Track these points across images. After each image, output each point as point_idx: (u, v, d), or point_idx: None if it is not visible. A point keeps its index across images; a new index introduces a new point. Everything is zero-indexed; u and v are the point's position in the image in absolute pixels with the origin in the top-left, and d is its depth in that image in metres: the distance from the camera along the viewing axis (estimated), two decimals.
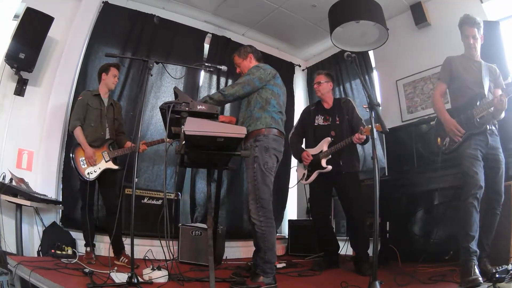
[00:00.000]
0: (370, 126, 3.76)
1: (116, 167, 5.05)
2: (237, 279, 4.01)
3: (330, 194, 5.39)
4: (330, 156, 5.08)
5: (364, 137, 4.67)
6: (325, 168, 5.06)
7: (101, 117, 5.12)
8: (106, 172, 5.00)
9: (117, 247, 4.95)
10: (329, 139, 5.11)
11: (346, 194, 5.05)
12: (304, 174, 5.36)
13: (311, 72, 8.91)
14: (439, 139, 4.20)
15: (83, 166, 4.89)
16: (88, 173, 4.86)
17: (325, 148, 5.11)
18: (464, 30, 4.12)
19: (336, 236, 5.55)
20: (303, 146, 5.54)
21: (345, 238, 5.86)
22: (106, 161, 5.00)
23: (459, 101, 4.11)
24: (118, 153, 5.08)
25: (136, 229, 3.65)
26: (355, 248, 5.15)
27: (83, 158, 4.90)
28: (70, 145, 5.43)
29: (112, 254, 4.81)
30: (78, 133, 4.92)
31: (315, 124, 5.34)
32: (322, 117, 5.31)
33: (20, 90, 5.42)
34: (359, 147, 5.38)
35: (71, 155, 4.95)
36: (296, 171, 5.67)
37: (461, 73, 4.12)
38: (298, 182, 5.68)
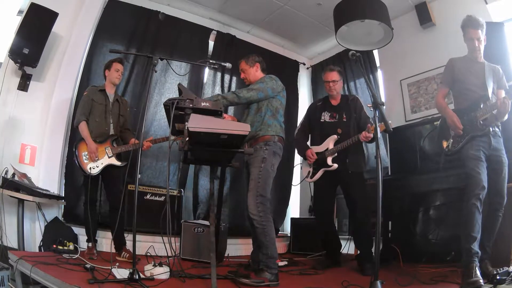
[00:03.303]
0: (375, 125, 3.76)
1: (119, 163, 5.04)
2: (240, 274, 4.03)
3: (334, 193, 5.36)
4: (336, 154, 5.06)
5: (371, 135, 4.65)
6: (331, 166, 5.04)
7: (106, 112, 5.13)
8: (109, 167, 5.00)
9: (119, 243, 4.97)
10: (335, 136, 5.09)
11: (351, 194, 5.04)
12: (309, 172, 5.35)
13: (316, 71, 8.93)
14: (444, 142, 4.18)
15: (85, 161, 4.90)
16: (90, 168, 4.88)
17: (331, 146, 5.09)
18: (468, 32, 4.09)
19: (338, 235, 5.54)
20: (309, 143, 5.54)
21: (347, 237, 5.87)
22: (109, 157, 5.00)
23: (462, 103, 4.09)
24: (121, 149, 5.08)
25: (138, 225, 3.65)
26: (359, 247, 5.16)
27: (86, 153, 4.91)
28: (73, 140, 5.44)
29: (114, 250, 4.82)
30: (83, 128, 4.93)
31: (321, 120, 5.30)
32: (329, 114, 5.28)
33: (23, 85, 5.41)
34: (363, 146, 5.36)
35: (74, 149, 4.96)
36: (301, 168, 5.66)
37: (464, 75, 4.11)
38: (302, 180, 5.66)
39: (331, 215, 5.48)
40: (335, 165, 5.02)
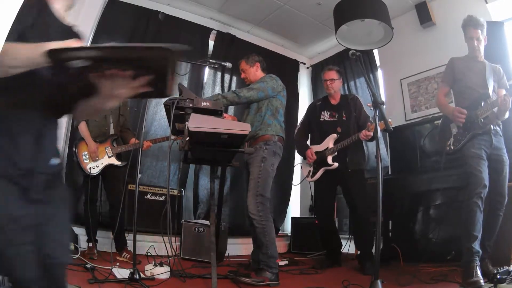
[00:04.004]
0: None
1: (119, 163, 5.04)
2: (241, 273, 4.05)
3: (334, 192, 5.36)
4: (336, 153, 5.06)
5: (371, 133, 4.64)
6: (331, 165, 5.05)
7: (106, 112, 5.12)
8: (109, 167, 5.00)
9: (120, 243, 4.97)
10: (335, 135, 5.09)
11: (351, 192, 5.04)
12: (309, 171, 5.35)
13: (316, 70, 8.92)
14: (448, 142, 4.18)
15: (85, 161, 4.90)
16: (90, 168, 4.88)
17: (331, 145, 5.10)
18: (468, 32, 4.10)
19: (339, 234, 5.54)
20: (309, 142, 5.54)
21: (348, 236, 5.87)
22: (109, 157, 5.00)
23: (463, 102, 4.09)
24: (121, 149, 5.08)
25: (138, 225, 3.67)
26: (359, 247, 5.16)
27: (86, 152, 4.91)
28: (73, 140, 5.44)
29: (114, 250, 4.82)
30: (83, 128, 4.94)
31: (321, 119, 5.32)
32: (329, 113, 5.29)
33: None
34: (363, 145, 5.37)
35: (73, 149, 4.97)
36: (301, 168, 5.66)
37: (464, 75, 4.11)
38: (303, 180, 5.66)
39: (332, 214, 5.47)
40: (336, 164, 5.02)
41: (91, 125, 5.02)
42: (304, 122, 5.63)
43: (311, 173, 5.32)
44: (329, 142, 5.11)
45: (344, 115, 5.17)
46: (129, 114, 5.62)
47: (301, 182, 6.21)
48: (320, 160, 5.17)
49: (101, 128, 5.08)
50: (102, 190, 5.26)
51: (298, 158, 7.84)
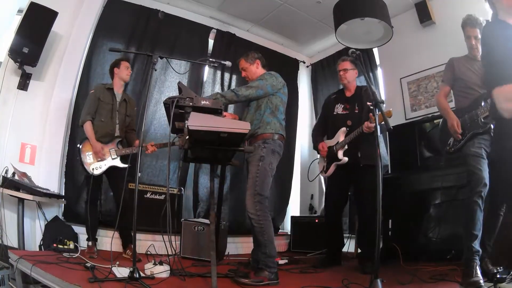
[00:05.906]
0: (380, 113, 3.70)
1: (122, 165, 5.03)
2: (240, 272, 4.03)
3: (347, 189, 5.30)
4: (346, 147, 4.99)
5: (374, 125, 4.57)
6: (341, 160, 4.99)
7: (112, 112, 5.13)
8: (113, 168, 5.01)
9: (126, 241, 5.04)
10: (344, 129, 5.00)
11: (362, 188, 4.96)
12: (323, 166, 5.30)
13: (316, 69, 8.94)
14: (448, 141, 4.17)
15: (88, 161, 4.90)
16: (93, 169, 4.88)
17: (341, 139, 5.01)
18: (466, 31, 4.11)
19: (343, 233, 5.50)
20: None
21: (347, 235, 5.87)
22: (113, 159, 4.99)
23: (463, 102, 4.08)
24: (126, 152, 5.06)
25: (138, 224, 3.65)
26: (362, 246, 5.14)
27: (90, 152, 4.91)
28: (73, 139, 5.46)
29: (115, 249, 4.83)
30: (88, 128, 4.93)
31: (334, 113, 5.26)
32: (342, 106, 5.23)
33: (23, 85, 5.40)
34: None
35: (79, 146, 4.99)
36: (318, 163, 5.62)
37: (464, 74, 4.10)
38: (317, 175, 5.64)
39: (341, 212, 5.36)
40: (345, 159, 4.93)
41: (97, 125, 5.01)
42: (320, 117, 5.61)
43: (324, 168, 5.27)
44: (340, 136, 5.00)
45: (356, 108, 5.09)
46: (136, 115, 5.58)
47: (315, 178, 6.17)
48: (331, 155, 5.12)
49: (107, 128, 5.07)
50: (102, 190, 5.28)
51: (298, 157, 7.87)
